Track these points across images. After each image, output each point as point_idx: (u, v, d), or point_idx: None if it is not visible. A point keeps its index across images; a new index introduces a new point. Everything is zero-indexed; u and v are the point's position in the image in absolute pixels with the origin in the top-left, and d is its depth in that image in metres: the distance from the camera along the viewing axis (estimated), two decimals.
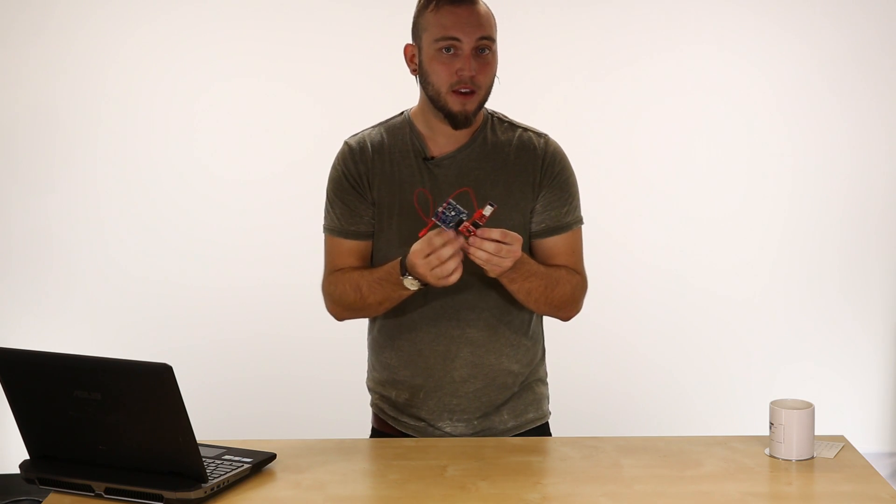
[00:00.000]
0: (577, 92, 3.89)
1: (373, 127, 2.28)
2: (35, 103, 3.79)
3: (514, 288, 2.12)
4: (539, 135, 2.25)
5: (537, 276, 2.13)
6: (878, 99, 3.87)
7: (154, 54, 3.79)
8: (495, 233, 1.97)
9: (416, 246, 2.00)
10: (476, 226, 1.97)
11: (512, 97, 3.50)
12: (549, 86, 3.86)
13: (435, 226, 1.98)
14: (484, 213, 1.97)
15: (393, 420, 2.30)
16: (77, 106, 3.80)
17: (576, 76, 3.88)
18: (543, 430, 2.34)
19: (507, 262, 1.99)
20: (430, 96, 2.14)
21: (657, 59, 3.86)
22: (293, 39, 3.82)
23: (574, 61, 3.87)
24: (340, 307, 2.23)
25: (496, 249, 1.96)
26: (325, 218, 2.27)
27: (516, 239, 1.99)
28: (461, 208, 1.98)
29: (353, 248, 2.24)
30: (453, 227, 1.97)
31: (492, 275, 2.03)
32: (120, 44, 3.79)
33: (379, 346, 2.30)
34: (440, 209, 1.98)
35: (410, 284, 2.06)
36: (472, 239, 1.96)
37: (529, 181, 2.21)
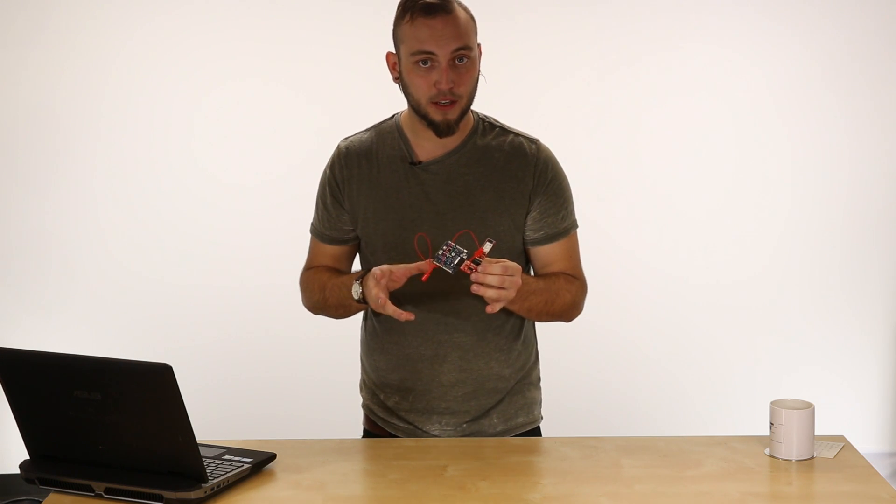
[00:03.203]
0: (577, 92, 3.88)
1: (366, 130, 2.28)
2: (35, 103, 3.79)
3: (514, 307, 2.13)
4: (531, 140, 2.24)
5: (537, 294, 2.14)
6: (880, 100, 3.87)
7: (153, 55, 3.79)
8: (496, 268, 1.98)
9: (382, 269, 2.04)
10: (476, 262, 1.98)
11: (511, 97, 3.53)
12: (548, 86, 3.86)
13: (437, 269, 2.01)
14: (484, 250, 1.99)
15: (382, 421, 2.31)
16: (77, 106, 3.80)
17: (575, 77, 3.88)
18: (534, 435, 2.33)
19: (511, 293, 2.00)
20: (412, 106, 2.14)
21: (657, 59, 3.86)
22: (293, 41, 3.82)
23: (573, 61, 3.87)
24: (309, 302, 2.31)
25: (500, 282, 1.97)
26: (313, 216, 2.32)
27: (516, 270, 2.00)
28: (461, 248, 2.00)
29: (328, 251, 2.28)
30: (455, 268, 1.99)
31: (495, 309, 2.01)
32: (119, 45, 3.79)
33: (370, 348, 2.31)
34: (441, 252, 2.01)
35: (355, 291, 2.12)
36: (475, 275, 1.98)
37: (522, 187, 2.20)
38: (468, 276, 1.98)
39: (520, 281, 2.01)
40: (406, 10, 2.09)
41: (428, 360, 2.22)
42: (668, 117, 3.89)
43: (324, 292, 2.23)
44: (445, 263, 2.00)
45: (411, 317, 2.05)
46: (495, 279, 1.97)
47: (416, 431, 2.26)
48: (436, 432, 2.25)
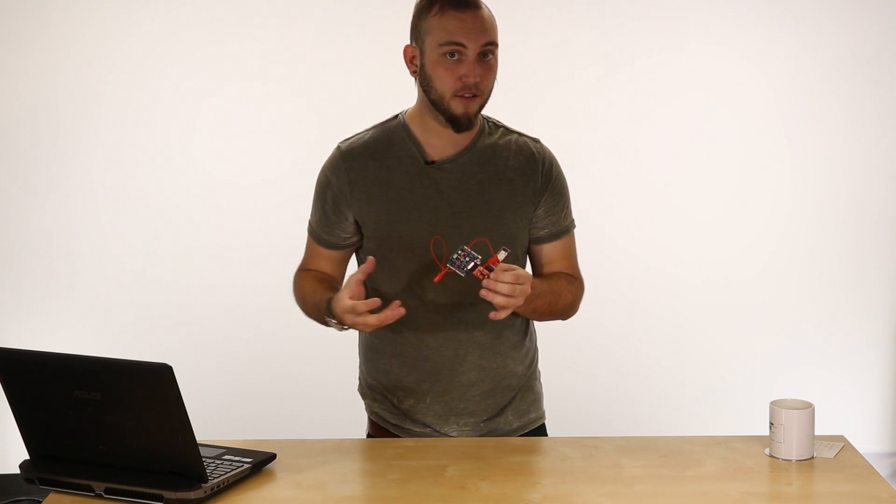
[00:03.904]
0: (579, 93, 3.89)
1: (367, 130, 2.25)
2: (35, 103, 3.79)
3: (519, 310, 2.12)
4: (533, 140, 2.25)
5: (542, 297, 2.15)
6: (880, 100, 3.87)
7: (154, 55, 3.80)
8: (508, 276, 1.98)
9: (343, 304, 2.02)
10: (490, 269, 1.99)
11: (515, 97, 3.51)
12: (551, 87, 3.86)
13: (450, 272, 2.02)
14: (499, 258, 2.01)
15: (395, 427, 2.28)
16: (77, 106, 3.80)
17: (577, 77, 3.88)
18: (541, 431, 2.34)
19: (519, 301, 2.00)
20: (433, 100, 2.11)
21: (659, 60, 3.86)
22: (293, 42, 3.82)
23: (575, 62, 3.87)
24: (298, 305, 2.29)
25: (510, 290, 1.98)
26: (310, 215, 2.30)
27: (527, 279, 2.01)
28: (475, 254, 2.01)
29: (324, 254, 2.27)
30: (468, 273, 2.01)
31: (500, 316, 2.02)
32: (119, 44, 3.79)
33: (376, 352, 2.28)
34: (455, 256, 2.02)
35: (336, 327, 2.10)
36: (486, 282, 1.99)
37: (531, 186, 2.21)
38: (480, 280, 1.99)
39: (529, 290, 2.01)
40: (434, 3, 2.08)
41: (448, 360, 2.21)
42: (670, 118, 3.90)
43: (305, 305, 2.23)
44: (459, 268, 2.02)
45: (402, 311, 2.01)
46: (506, 287, 1.97)
47: (433, 434, 2.25)
48: (454, 434, 2.24)
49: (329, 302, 2.09)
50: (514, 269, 1.99)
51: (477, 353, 2.22)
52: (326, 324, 2.14)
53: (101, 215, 3.85)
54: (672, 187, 3.92)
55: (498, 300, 1.98)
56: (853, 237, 3.94)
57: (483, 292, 1.98)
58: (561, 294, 2.19)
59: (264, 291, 3.83)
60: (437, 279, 2.03)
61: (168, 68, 3.81)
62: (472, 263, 2.01)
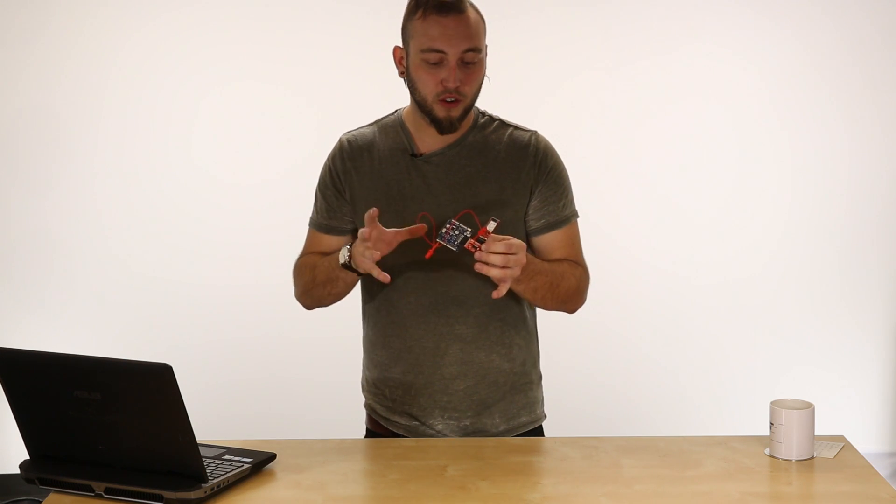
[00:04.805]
0: (578, 93, 3.89)
1: (368, 125, 2.30)
2: (35, 103, 3.79)
3: (520, 288, 2.13)
4: (529, 132, 2.26)
5: (542, 274, 2.14)
6: (880, 100, 3.87)
7: (154, 55, 3.80)
8: (500, 246, 1.98)
9: (369, 227, 2.05)
10: (481, 241, 1.98)
11: (516, 97, 3.52)
12: (551, 87, 3.86)
13: (440, 247, 2.00)
14: (488, 228, 1.99)
15: (385, 420, 2.30)
16: (77, 106, 3.81)
17: (576, 77, 3.88)
18: (536, 434, 2.33)
19: (516, 272, 2.00)
20: (417, 101, 2.15)
21: (661, 60, 3.86)
22: (293, 43, 3.82)
23: (577, 62, 3.87)
24: (299, 287, 2.30)
25: (503, 261, 1.97)
26: (312, 208, 2.32)
27: (521, 247, 2.00)
28: (465, 227, 2.00)
29: (326, 242, 2.28)
30: (459, 246, 1.99)
31: (502, 292, 2.02)
32: (119, 44, 3.79)
33: (371, 343, 2.31)
34: (444, 230, 2.01)
35: (342, 255, 2.12)
36: (479, 254, 1.97)
37: (523, 179, 2.21)
38: (472, 254, 1.98)
39: (524, 259, 2.01)
40: (419, 6, 2.10)
41: (430, 352, 2.22)
42: (670, 118, 3.90)
43: (314, 270, 2.23)
44: (449, 241, 2.00)
45: (387, 278, 2.04)
46: (499, 258, 1.97)
47: (419, 427, 2.25)
48: (439, 427, 2.24)
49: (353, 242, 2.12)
50: (506, 239, 1.99)
51: (458, 347, 2.22)
52: (331, 275, 2.16)
53: (101, 215, 3.85)
54: (672, 187, 3.92)
55: (493, 272, 1.98)
56: (853, 237, 3.94)
57: (477, 266, 1.98)
58: (563, 275, 2.18)
59: (264, 291, 3.84)
60: (428, 255, 2.03)
61: (168, 68, 3.81)
62: (463, 236, 1.99)
